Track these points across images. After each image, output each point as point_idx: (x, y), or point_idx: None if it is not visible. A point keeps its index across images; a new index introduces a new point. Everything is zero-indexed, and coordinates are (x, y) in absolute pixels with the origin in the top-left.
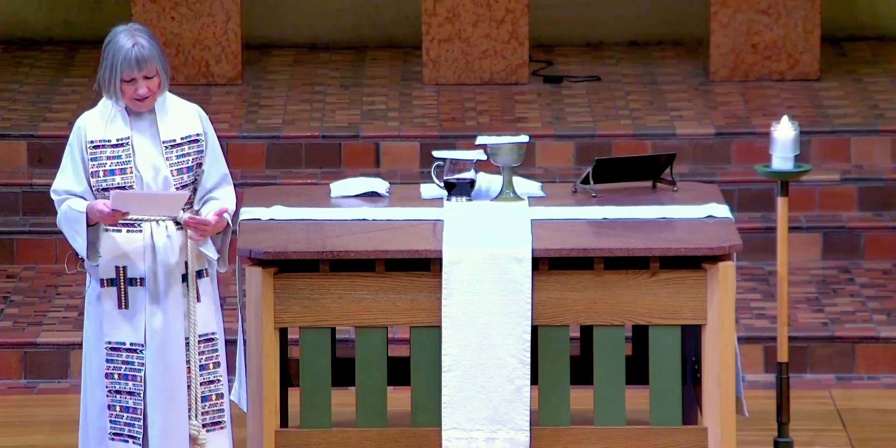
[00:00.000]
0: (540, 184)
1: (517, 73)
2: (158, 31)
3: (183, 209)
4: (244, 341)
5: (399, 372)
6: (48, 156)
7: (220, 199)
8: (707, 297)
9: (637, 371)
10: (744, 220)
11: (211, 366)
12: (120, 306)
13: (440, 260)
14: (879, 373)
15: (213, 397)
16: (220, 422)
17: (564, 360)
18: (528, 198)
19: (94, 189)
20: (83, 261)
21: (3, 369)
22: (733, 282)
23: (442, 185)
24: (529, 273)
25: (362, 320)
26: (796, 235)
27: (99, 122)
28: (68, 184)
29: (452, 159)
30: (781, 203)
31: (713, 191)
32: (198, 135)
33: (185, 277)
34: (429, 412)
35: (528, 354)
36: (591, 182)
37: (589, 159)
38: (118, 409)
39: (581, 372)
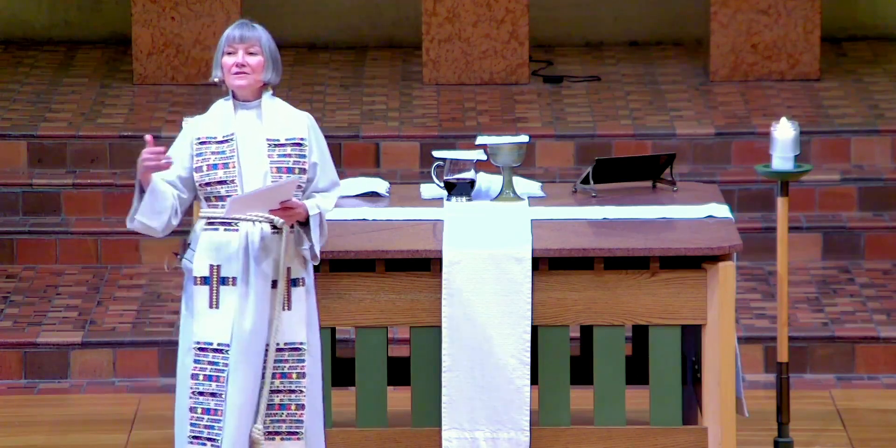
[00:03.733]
0: (540, 184)
1: (517, 73)
2: (158, 31)
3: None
4: None
5: (399, 372)
6: (48, 156)
7: (318, 198)
8: (707, 297)
9: (637, 371)
10: (744, 220)
11: (294, 375)
12: (211, 305)
13: (440, 260)
14: (879, 373)
15: (293, 407)
16: (297, 432)
17: (564, 360)
18: (528, 198)
19: (197, 183)
20: (181, 258)
21: (3, 369)
22: (733, 282)
23: (442, 185)
24: (529, 273)
25: (362, 320)
26: (796, 235)
27: (208, 119)
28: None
29: (452, 159)
30: (781, 203)
31: (713, 191)
32: (302, 139)
33: (275, 283)
34: (429, 412)
35: (528, 354)
36: (591, 182)
37: (589, 159)
38: (199, 411)
39: (581, 372)
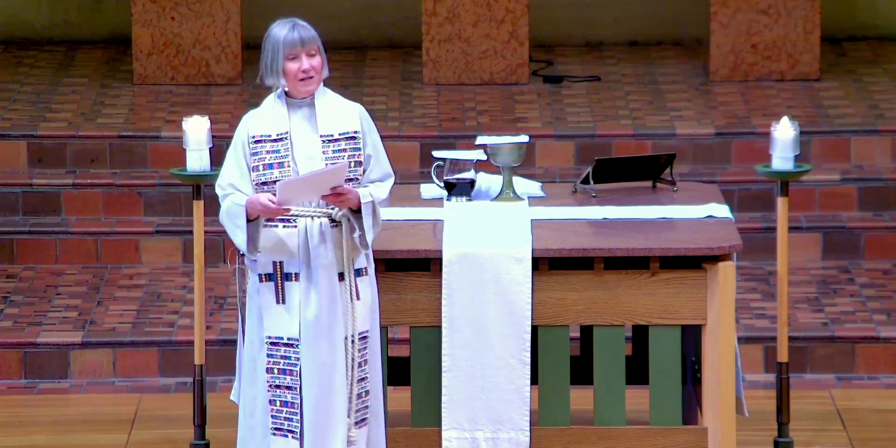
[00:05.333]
0: (540, 184)
1: (517, 73)
2: (159, 31)
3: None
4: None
5: (399, 372)
6: (48, 156)
7: (372, 187)
8: (707, 297)
9: (637, 371)
10: (744, 220)
11: (363, 363)
12: (278, 301)
13: (440, 260)
14: (879, 373)
15: (364, 394)
16: (366, 418)
17: (564, 360)
18: (528, 198)
19: (253, 183)
20: (243, 256)
21: (3, 369)
22: (733, 282)
23: (442, 185)
24: (529, 273)
25: None
26: (796, 235)
27: (261, 118)
28: (232, 178)
29: (452, 159)
30: (781, 203)
31: (713, 191)
32: (355, 132)
33: (342, 276)
34: (429, 412)
35: (528, 354)
36: (591, 182)
37: (589, 159)
38: (278, 404)
39: (581, 372)
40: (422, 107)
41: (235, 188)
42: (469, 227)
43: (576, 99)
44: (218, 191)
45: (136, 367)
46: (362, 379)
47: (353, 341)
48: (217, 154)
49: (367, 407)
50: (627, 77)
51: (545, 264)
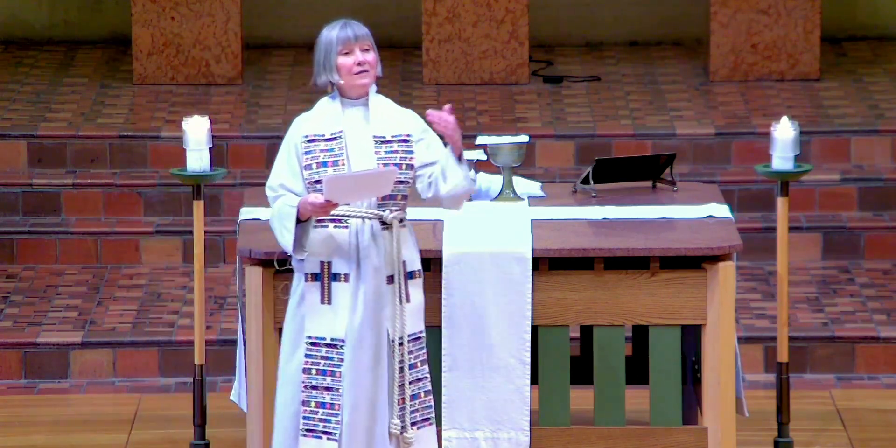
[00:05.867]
0: (540, 184)
1: (517, 73)
2: (159, 31)
3: (396, 204)
4: (244, 341)
5: None
6: (48, 156)
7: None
8: (707, 297)
9: (637, 371)
10: (744, 220)
11: (419, 364)
12: (322, 301)
13: (440, 260)
14: (879, 373)
15: (422, 394)
16: (428, 418)
17: (564, 360)
18: (528, 198)
19: (306, 181)
20: (290, 257)
21: (3, 369)
22: (733, 282)
23: None
24: (529, 273)
25: None
26: (796, 235)
27: (314, 118)
28: (283, 178)
29: None
30: (781, 203)
31: (713, 191)
32: (408, 136)
33: (391, 278)
34: None
35: (528, 354)
36: (591, 182)
37: (589, 159)
38: (313, 405)
39: (581, 372)
40: (422, 107)
41: (286, 188)
42: (469, 227)
43: (576, 99)
44: (268, 192)
45: (136, 367)
46: (419, 379)
47: (401, 343)
48: (217, 154)
49: (428, 407)
50: (627, 77)
51: (545, 264)
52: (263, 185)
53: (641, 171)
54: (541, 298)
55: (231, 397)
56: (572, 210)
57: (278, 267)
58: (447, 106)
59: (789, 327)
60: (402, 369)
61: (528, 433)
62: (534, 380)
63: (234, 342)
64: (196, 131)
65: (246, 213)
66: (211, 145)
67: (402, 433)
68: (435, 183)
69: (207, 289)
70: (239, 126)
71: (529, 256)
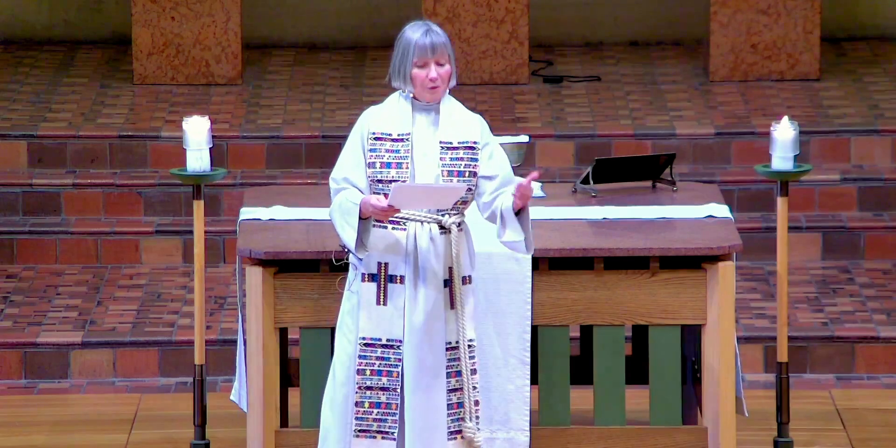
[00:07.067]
0: (540, 184)
1: (517, 73)
2: (159, 31)
3: (455, 209)
4: (244, 341)
5: None
6: (48, 156)
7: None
8: (707, 297)
9: (637, 371)
10: (744, 220)
11: (474, 371)
12: (378, 302)
13: None
14: (879, 373)
15: (478, 401)
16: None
17: (564, 360)
18: None
19: (368, 179)
20: (349, 254)
21: (3, 369)
22: (733, 282)
23: None
24: (529, 273)
25: None
26: (796, 235)
27: (384, 115)
28: (347, 171)
29: None
30: (781, 203)
31: (713, 191)
32: (475, 143)
33: (446, 282)
34: None
35: (528, 354)
36: (591, 182)
37: (589, 159)
38: (367, 405)
39: (581, 372)
40: None
41: (349, 182)
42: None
43: (576, 99)
44: (332, 184)
45: (136, 367)
46: (473, 388)
47: (468, 347)
48: (217, 154)
49: (476, 417)
50: (627, 77)
51: (545, 264)
52: (263, 185)
53: (641, 171)
54: (541, 298)
55: (231, 397)
56: (572, 210)
57: (335, 262)
58: (534, 173)
59: (789, 327)
60: (473, 372)
61: (528, 433)
62: (534, 380)
63: (234, 342)
64: (196, 131)
65: (246, 213)
66: (211, 145)
67: (473, 436)
68: (491, 219)
69: (207, 289)
70: (239, 126)
71: (529, 256)
